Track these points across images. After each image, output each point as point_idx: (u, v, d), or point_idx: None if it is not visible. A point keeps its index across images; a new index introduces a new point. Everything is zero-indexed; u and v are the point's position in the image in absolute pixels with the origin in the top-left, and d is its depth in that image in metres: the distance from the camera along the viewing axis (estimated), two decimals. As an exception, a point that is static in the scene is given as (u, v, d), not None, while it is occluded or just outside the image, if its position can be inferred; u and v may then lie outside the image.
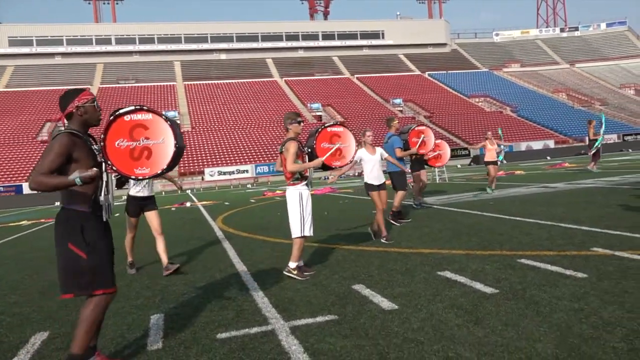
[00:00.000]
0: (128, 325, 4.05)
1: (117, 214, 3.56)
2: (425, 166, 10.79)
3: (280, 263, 6.04)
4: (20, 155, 40.78)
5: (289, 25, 71.50)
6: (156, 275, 5.96)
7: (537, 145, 44.70)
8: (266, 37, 69.65)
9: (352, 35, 72.44)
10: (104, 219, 3.10)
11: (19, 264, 7.80)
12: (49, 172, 2.85)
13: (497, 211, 9.01)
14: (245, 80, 62.69)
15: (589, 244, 5.59)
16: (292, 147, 5.12)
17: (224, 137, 46.44)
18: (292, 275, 5.19)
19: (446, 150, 11.47)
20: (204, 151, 43.33)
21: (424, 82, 65.62)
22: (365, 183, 7.32)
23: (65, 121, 3.10)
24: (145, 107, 3.23)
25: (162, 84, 60.25)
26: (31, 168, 38.78)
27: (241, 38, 68.80)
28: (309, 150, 5.49)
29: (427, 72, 68.70)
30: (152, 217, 6.07)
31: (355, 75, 66.53)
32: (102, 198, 3.05)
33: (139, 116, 3.20)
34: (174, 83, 61.09)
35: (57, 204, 30.91)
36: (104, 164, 3.07)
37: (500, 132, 13.40)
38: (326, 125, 5.66)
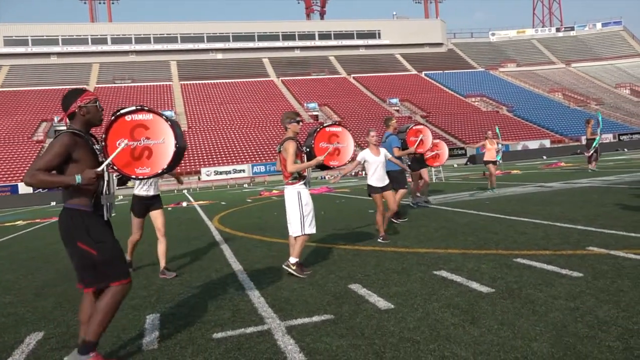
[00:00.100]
0: (124, 325, 4.03)
1: (114, 214, 3.52)
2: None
3: (276, 263, 6.03)
4: (15, 155, 40.64)
5: (286, 25, 71.45)
6: (152, 275, 5.95)
7: (533, 144, 44.82)
8: (262, 37, 69.59)
9: (348, 35, 72.45)
10: (105, 218, 3.13)
11: (13, 264, 7.77)
12: (46, 169, 2.89)
13: (493, 210, 9.02)
14: (241, 80, 62.63)
15: (584, 243, 5.60)
16: (290, 146, 5.13)
17: (220, 137, 46.39)
18: (291, 271, 5.21)
19: (444, 150, 11.49)
20: (201, 151, 43.27)
21: (420, 82, 65.70)
22: (369, 185, 7.13)
23: (68, 121, 3.13)
24: (146, 108, 3.25)
25: (158, 83, 60.13)
26: (26, 168, 38.63)
27: (237, 38, 68.72)
28: (308, 149, 5.49)
29: (423, 72, 68.79)
30: (157, 217, 6.00)
31: (352, 75, 66.55)
32: (103, 197, 3.08)
33: (140, 116, 3.22)
34: (170, 83, 60.98)
35: (53, 204, 30.83)
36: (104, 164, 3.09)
37: (497, 130, 13.42)
38: (325, 125, 5.67)
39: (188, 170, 40.18)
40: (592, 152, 16.95)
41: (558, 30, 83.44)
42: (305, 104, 55.03)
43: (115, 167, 3.12)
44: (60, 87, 56.73)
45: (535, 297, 3.84)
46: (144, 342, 3.61)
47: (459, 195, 12.80)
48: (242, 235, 8.77)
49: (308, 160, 5.41)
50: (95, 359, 3.04)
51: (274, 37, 70.03)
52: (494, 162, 12.68)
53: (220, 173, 39.93)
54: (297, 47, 71.26)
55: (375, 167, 7.00)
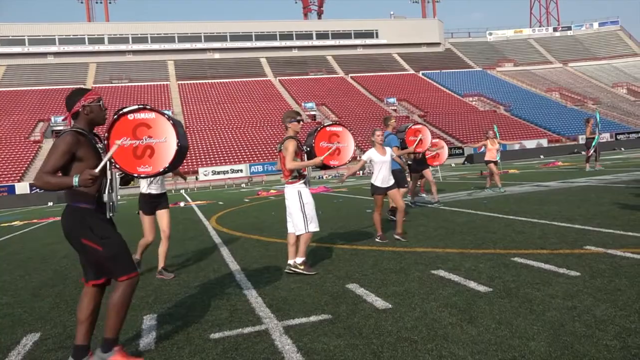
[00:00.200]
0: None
1: (117, 212, 3.50)
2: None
3: (274, 262, 6.03)
4: (12, 155, 40.51)
5: (283, 24, 71.41)
6: (150, 275, 5.93)
7: (530, 144, 44.88)
8: (260, 37, 69.54)
9: (346, 35, 72.45)
10: (108, 217, 3.15)
11: (10, 264, 7.74)
12: (54, 171, 2.90)
13: (491, 210, 9.03)
14: (239, 80, 62.58)
15: (581, 242, 5.61)
16: (291, 145, 5.16)
17: (218, 137, 46.33)
18: (299, 270, 5.22)
19: (444, 149, 11.50)
20: (198, 151, 43.22)
21: (417, 82, 65.74)
22: (372, 185, 6.99)
23: (72, 120, 3.14)
24: (148, 106, 3.27)
25: (155, 83, 60.04)
26: (23, 168, 38.57)
27: (235, 37, 68.65)
28: (308, 149, 5.50)
29: (421, 72, 68.84)
30: (162, 217, 5.92)
31: (350, 75, 66.56)
32: (105, 196, 3.10)
33: (142, 115, 3.24)
34: (168, 82, 60.90)
35: (50, 204, 30.75)
36: (107, 163, 3.10)
37: (495, 129, 13.40)
38: (325, 124, 5.68)
39: (185, 170, 40.12)
40: (591, 151, 17.00)
41: (555, 29, 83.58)
42: (302, 104, 55.00)
43: (117, 166, 3.14)
44: (57, 87, 56.63)
45: (532, 296, 3.84)
46: (141, 342, 3.60)
47: (456, 194, 12.81)
48: (239, 235, 8.75)
49: (308, 159, 5.41)
50: (119, 353, 3.09)
51: (271, 36, 69.99)
52: (496, 162, 12.58)
53: (218, 173, 39.91)
54: (294, 47, 71.24)
55: (382, 167, 6.84)
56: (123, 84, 59.16)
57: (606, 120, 50.23)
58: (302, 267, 5.27)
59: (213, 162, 41.63)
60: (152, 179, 5.63)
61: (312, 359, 3.05)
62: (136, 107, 3.25)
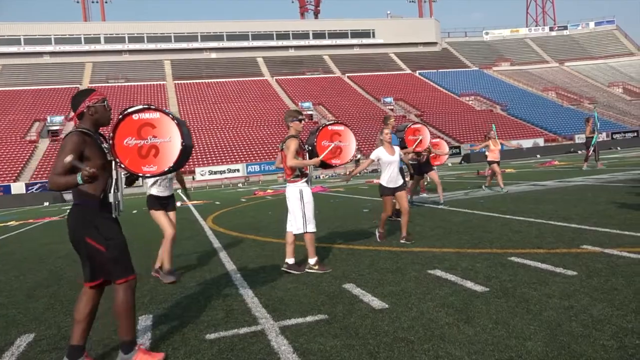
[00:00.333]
0: (116, 326, 3.98)
1: (122, 211, 3.47)
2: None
3: (270, 262, 6.01)
4: (8, 155, 40.35)
5: (280, 24, 71.34)
6: (145, 275, 5.90)
7: (527, 143, 44.90)
8: (257, 36, 69.45)
9: (342, 34, 72.42)
10: (114, 216, 3.18)
11: (5, 265, 7.70)
12: (64, 171, 2.91)
13: (488, 209, 9.03)
14: (235, 80, 62.48)
15: (578, 241, 5.61)
16: (292, 144, 5.18)
17: (214, 137, 46.26)
18: (314, 271, 5.24)
19: (444, 149, 11.50)
20: (195, 151, 43.01)
21: (414, 81, 65.77)
22: (380, 185, 6.76)
23: (78, 121, 3.19)
24: (153, 106, 3.30)
25: (152, 83, 59.88)
26: (19, 168, 38.44)
27: (232, 37, 68.53)
28: (310, 148, 5.50)
29: (417, 71, 68.87)
30: (170, 218, 5.89)
31: (346, 74, 66.54)
32: (111, 195, 3.14)
33: (146, 115, 3.26)
34: (164, 82, 60.76)
35: (46, 204, 30.64)
36: (113, 162, 3.14)
37: (494, 128, 13.37)
38: (327, 123, 5.66)
39: (182, 169, 39.97)
40: (591, 150, 17.08)
41: (551, 29, 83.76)
42: (299, 103, 54.95)
43: (122, 165, 3.15)
44: (53, 86, 56.47)
45: (529, 296, 3.84)
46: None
47: (453, 194, 12.81)
48: (236, 235, 8.73)
49: (310, 158, 5.41)
50: (141, 351, 3.15)
51: (268, 36, 69.91)
52: (499, 162, 12.49)
53: (215, 173, 39.84)
54: (291, 47, 71.17)
55: (389, 166, 6.64)
56: (119, 84, 58.97)
57: (602, 119, 50.30)
58: (316, 267, 5.27)
59: (210, 162, 41.56)
60: (158, 180, 5.61)
61: (308, 360, 3.03)
62: (141, 107, 3.27)
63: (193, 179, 39.03)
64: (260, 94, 58.30)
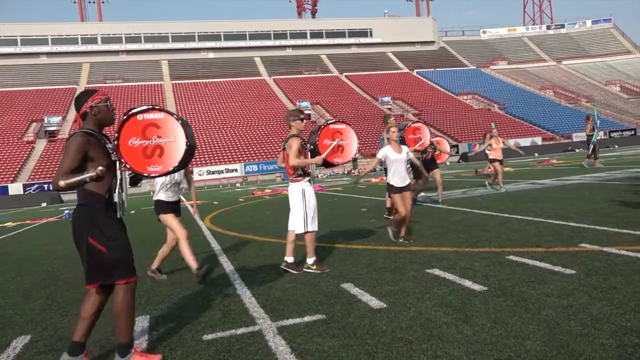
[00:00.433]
0: (113, 327, 3.97)
1: (126, 212, 3.44)
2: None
3: (268, 262, 5.99)
4: (5, 156, 40.22)
5: (277, 23, 71.25)
6: (142, 276, 5.86)
7: (524, 142, 44.90)
8: (254, 36, 69.34)
9: (340, 34, 72.35)
10: (118, 216, 3.19)
11: (2, 266, 7.67)
12: (69, 171, 2.93)
13: (486, 208, 9.02)
14: (233, 79, 62.37)
15: (576, 240, 5.60)
16: (295, 143, 5.19)
17: (212, 137, 46.19)
18: (312, 271, 5.23)
19: (445, 148, 11.48)
20: (193, 150, 42.94)
21: (412, 80, 65.76)
22: (388, 184, 6.67)
23: (81, 121, 3.21)
24: (157, 107, 3.32)
25: (149, 83, 59.76)
26: (17, 169, 38.32)
27: (229, 37, 68.42)
28: (312, 147, 5.49)
29: (415, 70, 68.85)
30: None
31: (344, 74, 66.49)
32: (116, 195, 3.16)
33: (151, 115, 3.28)
34: (161, 82, 60.63)
35: (44, 204, 30.56)
36: (117, 162, 3.16)
37: (493, 126, 13.33)
38: (329, 122, 5.65)
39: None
40: (591, 147, 17.12)
41: (549, 27, 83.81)
42: (297, 103, 54.90)
43: (127, 166, 3.17)
44: (50, 87, 56.31)
45: (528, 294, 3.82)
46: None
47: (451, 193, 12.80)
48: (234, 235, 8.71)
49: (312, 157, 5.40)
50: (137, 354, 3.15)
51: (265, 36, 69.80)
52: (501, 161, 12.42)
53: (213, 172, 39.78)
54: (288, 46, 71.10)
55: (397, 165, 6.52)
56: (117, 84, 58.81)
57: (600, 117, 50.30)
58: (314, 267, 5.27)
59: (208, 161, 41.49)
60: (167, 184, 5.58)
61: (306, 360, 3.01)
62: (145, 107, 3.29)
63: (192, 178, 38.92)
64: (257, 94, 58.24)
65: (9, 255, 8.79)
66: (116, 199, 3.16)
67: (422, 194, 12.57)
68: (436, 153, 10.76)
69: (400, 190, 6.57)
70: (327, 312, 3.85)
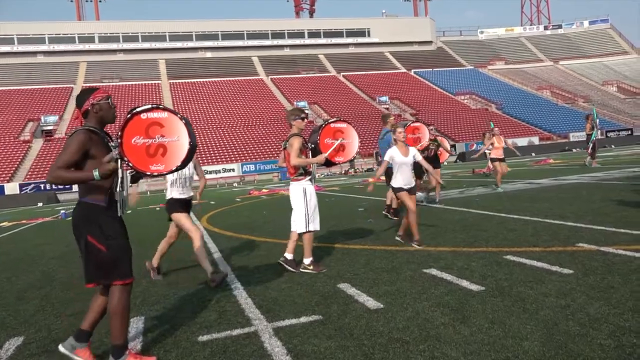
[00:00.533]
0: (107, 328, 3.92)
1: (128, 211, 3.42)
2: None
3: (264, 262, 5.96)
4: (1, 156, 40.05)
5: (275, 23, 71.17)
6: (138, 276, 5.82)
7: (521, 142, 44.99)
8: (252, 35, 69.25)
9: (337, 33, 72.32)
10: (119, 214, 3.20)
11: (-3, 266, 7.61)
12: (66, 166, 2.96)
13: (483, 208, 9.01)
14: (230, 79, 62.28)
15: (574, 239, 5.58)
16: (296, 142, 5.17)
17: (209, 136, 46.12)
18: (309, 271, 5.20)
19: (446, 146, 11.48)
20: (190, 150, 42.86)
21: (409, 80, 65.78)
22: (392, 186, 6.56)
23: (83, 119, 3.23)
24: (161, 106, 3.33)
25: (146, 82, 59.62)
26: (13, 168, 38.18)
27: (227, 36, 68.31)
28: (313, 146, 5.47)
29: (412, 70, 68.87)
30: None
31: (342, 73, 66.47)
32: (117, 194, 3.17)
33: (155, 114, 3.28)
34: (159, 82, 60.50)
35: (40, 204, 30.46)
36: (120, 160, 3.15)
37: (492, 125, 13.29)
38: (329, 121, 5.62)
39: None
40: (590, 146, 17.20)
41: (546, 28, 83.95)
42: (294, 103, 54.84)
43: (130, 164, 3.17)
44: (47, 86, 56.10)
45: (525, 294, 3.80)
46: (127, 346, 3.52)
47: (448, 192, 12.79)
48: (230, 235, 8.67)
49: (313, 156, 5.38)
50: (131, 356, 3.14)
51: (263, 35, 69.72)
52: (502, 160, 12.37)
53: (210, 172, 39.68)
54: (286, 46, 71.02)
55: (402, 167, 6.32)
56: (114, 83, 58.62)
57: (597, 117, 50.45)
58: (311, 267, 5.24)
59: (205, 161, 41.41)
60: (177, 179, 5.57)
61: (301, 362, 2.98)
62: (149, 106, 3.30)
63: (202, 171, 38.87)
64: (255, 94, 58.16)
65: (3, 255, 8.73)
66: (117, 197, 3.17)
67: (419, 193, 12.54)
68: (438, 152, 10.73)
69: (407, 190, 6.39)
70: (323, 313, 3.82)
